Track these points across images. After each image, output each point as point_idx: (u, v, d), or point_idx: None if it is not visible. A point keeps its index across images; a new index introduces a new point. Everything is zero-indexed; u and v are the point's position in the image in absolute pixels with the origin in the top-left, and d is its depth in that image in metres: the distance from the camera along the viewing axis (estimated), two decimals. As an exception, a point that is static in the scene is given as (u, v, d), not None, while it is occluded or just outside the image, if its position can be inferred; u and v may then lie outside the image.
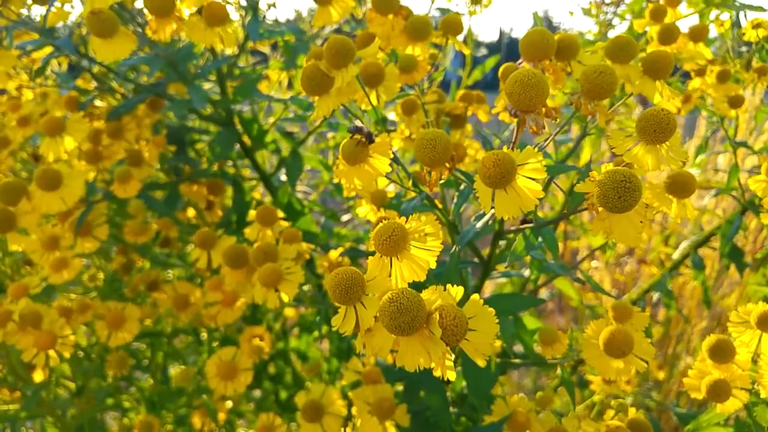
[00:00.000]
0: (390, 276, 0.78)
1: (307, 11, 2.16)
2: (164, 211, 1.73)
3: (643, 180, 0.93)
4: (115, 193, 1.60)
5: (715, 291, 2.99)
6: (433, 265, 0.77)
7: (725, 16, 1.72)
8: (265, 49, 2.19)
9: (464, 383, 1.61)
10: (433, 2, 1.61)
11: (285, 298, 1.28)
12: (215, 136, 1.80)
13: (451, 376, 0.72)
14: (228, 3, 1.37)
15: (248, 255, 1.36)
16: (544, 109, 0.88)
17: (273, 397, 2.17)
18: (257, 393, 2.23)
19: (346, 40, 1.01)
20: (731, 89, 1.62)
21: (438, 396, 1.38)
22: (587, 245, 3.34)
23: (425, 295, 0.73)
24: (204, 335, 1.98)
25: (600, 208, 0.79)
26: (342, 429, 1.31)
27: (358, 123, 0.95)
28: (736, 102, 1.60)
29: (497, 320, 0.74)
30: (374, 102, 1.15)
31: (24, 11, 1.53)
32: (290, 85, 2.13)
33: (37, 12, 1.69)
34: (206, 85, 1.77)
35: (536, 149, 0.80)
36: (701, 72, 1.66)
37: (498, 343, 1.41)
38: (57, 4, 1.51)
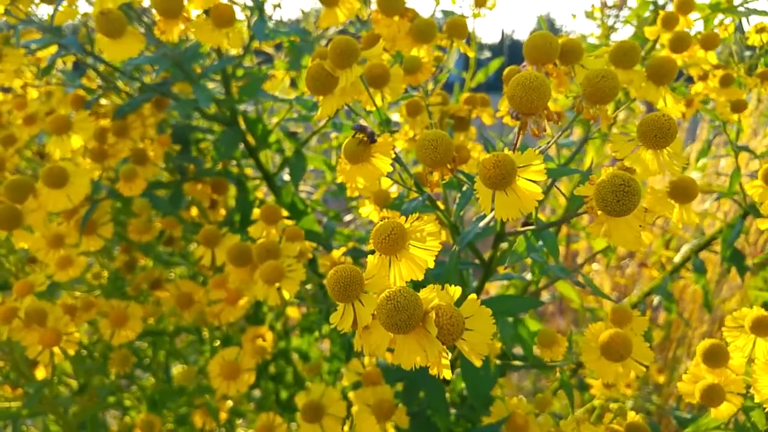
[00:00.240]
0: (389, 275, 0.79)
1: (311, 10, 2.16)
2: (168, 209, 1.74)
3: (645, 185, 0.93)
4: (121, 191, 1.61)
5: (717, 295, 2.99)
6: (432, 265, 0.77)
7: (729, 20, 1.72)
8: (270, 49, 2.19)
9: (464, 385, 1.62)
10: (437, 4, 1.61)
11: (286, 295, 1.28)
12: (220, 136, 1.80)
13: (447, 374, 0.73)
14: (234, 3, 1.38)
15: (252, 253, 1.36)
16: (545, 112, 0.89)
17: (273, 397, 2.17)
18: (257, 393, 2.24)
19: (350, 41, 1.01)
20: (734, 93, 1.62)
21: (437, 397, 1.38)
22: (588, 248, 3.34)
23: (423, 294, 0.73)
24: (206, 334, 1.99)
25: (599, 212, 0.80)
26: (341, 429, 1.32)
27: (362, 122, 0.96)
28: (738, 106, 1.60)
29: (494, 321, 0.74)
30: (379, 103, 1.15)
31: (31, 10, 1.53)
32: (294, 84, 2.14)
33: (44, 11, 1.70)
34: (211, 85, 1.78)
35: (537, 152, 0.81)
36: (704, 76, 1.66)
37: (498, 345, 1.41)
38: (64, 3, 1.52)
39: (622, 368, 1.08)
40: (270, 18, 1.66)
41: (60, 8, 1.50)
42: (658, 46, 1.48)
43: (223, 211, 1.94)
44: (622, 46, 1.07)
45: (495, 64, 2.18)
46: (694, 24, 1.51)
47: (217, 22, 1.35)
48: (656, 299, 2.13)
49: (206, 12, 1.36)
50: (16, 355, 1.54)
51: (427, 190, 1.05)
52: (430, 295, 0.74)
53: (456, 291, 0.75)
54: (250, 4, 1.62)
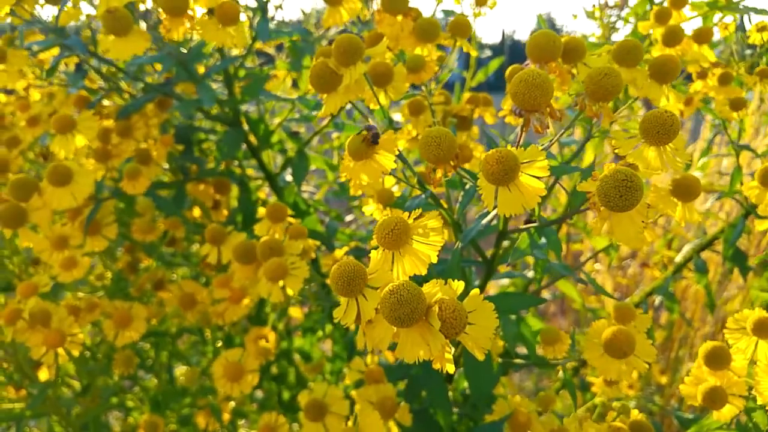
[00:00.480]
0: (392, 269, 0.79)
1: (312, 11, 2.16)
2: (172, 209, 1.74)
3: (648, 183, 0.94)
4: (125, 189, 1.62)
5: (719, 295, 2.99)
6: (435, 260, 0.78)
7: (729, 19, 1.72)
8: (271, 50, 2.20)
9: (466, 384, 1.62)
10: (438, 3, 1.62)
11: (290, 292, 1.29)
12: (222, 136, 1.81)
13: (450, 369, 0.73)
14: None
15: (256, 251, 1.37)
16: (548, 109, 0.89)
17: (276, 398, 2.17)
18: (260, 393, 2.24)
19: (354, 39, 1.02)
20: (733, 92, 1.62)
21: (440, 396, 1.39)
22: (590, 248, 3.34)
23: (426, 288, 0.73)
24: (209, 335, 1.99)
25: (602, 207, 0.80)
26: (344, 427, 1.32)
27: (371, 122, 0.96)
28: (738, 104, 1.60)
29: (497, 316, 0.74)
30: (383, 101, 1.16)
31: (35, 11, 1.54)
32: (295, 85, 2.14)
33: (48, 12, 1.70)
34: (214, 86, 1.78)
35: (540, 149, 0.81)
36: (703, 74, 1.66)
37: (500, 343, 1.42)
38: (69, 3, 1.52)
39: (625, 366, 1.08)
40: (272, 19, 1.67)
41: (65, 9, 1.50)
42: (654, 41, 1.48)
43: (225, 212, 1.94)
44: (625, 45, 1.07)
45: (495, 64, 2.19)
46: (687, 18, 1.51)
47: (222, 20, 1.36)
48: (658, 299, 2.13)
49: (210, 11, 1.37)
50: (19, 356, 1.54)
51: (430, 187, 1.05)
52: (433, 290, 0.74)
53: (459, 286, 0.75)
54: (253, 5, 1.63)
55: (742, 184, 1.73)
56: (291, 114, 1.92)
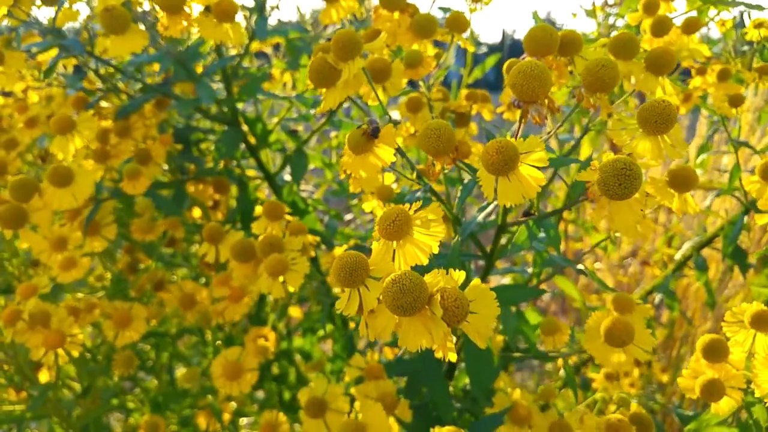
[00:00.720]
0: (393, 260, 0.79)
1: (310, 13, 2.17)
2: (171, 209, 1.74)
3: (646, 176, 0.94)
4: (125, 189, 1.62)
5: (720, 292, 2.99)
6: (436, 250, 0.78)
7: (727, 16, 1.73)
8: (268, 50, 2.21)
9: (467, 380, 1.62)
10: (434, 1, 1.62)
11: (291, 288, 1.29)
12: (221, 135, 1.82)
13: (453, 357, 0.73)
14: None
15: (256, 249, 1.37)
16: (546, 101, 0.89)
17: (277, 398, 2.17)
18: (261, 394, 2.24)
19: (353, 33, 1.02)
20: (732, 88, 1.63)
21: (440, 391, 1.39)
22: (590, 245, 3.35)
23: (428, 278, 0.74)
24: (209, 336, 1.99)
25: (601, 196, 0.81)
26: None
27: (374, 118, 0.97)
28: (736, 101, 1.61)
29: (498, 304, 0.75)
30: (381, 97, 1.16)
31: (33, 12, 1.54)
32: (293, 87, 2.15)
33: (45, 14, 1.71)
34: (212, 85, 1.78)
35: (539, 140, 0.82)
36: (702, 71, 1.66)
37: (500, 338, 1.42)
38: (66, 4, 1.53)
39: (624, 355, 1.08)
40: (269, 15, 1.68)
41: (61, 9, 1.51)
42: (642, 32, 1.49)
43: (225, 212, 1.95)
44: (621, 38, 1.08)
45: (492, 60, 2.19)
46: (676, 9, 1.52)
47: (219, 17, 1.36)
48: (658, 297, 2.14)
49: (207, 8, 1.38)
50: (20, 358, 1.54)
51: (430, 182, 1.06)
52: (434, 280, 0.74)
53: (460, 275, 0.75)
54: (251, 4, 1.64)
55: (741, 180, 1.73)
56: (289, 113, 1.93)
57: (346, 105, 1.17)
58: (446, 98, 1.57)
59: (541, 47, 1.03)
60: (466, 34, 1.37)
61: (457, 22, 1.33)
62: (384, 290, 0.71)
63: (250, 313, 1.91)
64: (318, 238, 1.47)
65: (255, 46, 2.06)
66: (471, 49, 1.43)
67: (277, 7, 1.84)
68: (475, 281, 0.75)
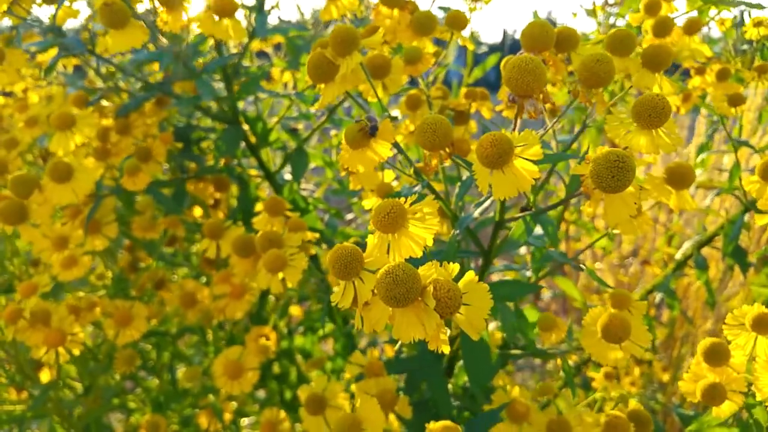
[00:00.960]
0: (388, 252, 0.80)
1: (311, 12, 2.18)
2: (172, 207, 1.75)
3: (645, 173, 0.94)
4: (125, 185, 1.62)
5: (720, 292, 2.99)
6: (430, 243, 0.78)
7: (727, 15, 1.73)
8: (268, 49, 2.21)
9: (466, 378, 1.62)
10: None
11: (289, 284, 1.29)
12: (221, 134, 1.82)
13: (446, 349, 0.74)
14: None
15: (255, 243, 1.38)
16: (541, 95, 0.90)
17: (278, 397, 2.18)
18: (261, 393, 2.24)
19: (351, 29, 1.03)
20: (731, 88, 1.63)
21: (439, 388, 1.39)
22: (588, 244, 3.34)
23: (422, 270, 0.74)
24: (210, 336, 2.00)
25: (595, 189, 0.81)
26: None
27: (373, 114, 0.97)
28: (736, 100, 1.60)
29: (495, 307, 0.75)
30: (380, 94, 1.16)
31: (33, 11, 1.55)
32: (294, 87, 2.15)
33: (45, 13, 1.71)
34: (212, 84, 1.79)
35: (534, 134, 0.82)
36: (701, 70, 1.66)
37: (498, 335, 1.42)
38: (66, 2, 1.53)
39: (621, 352, 1.08)
40: (269, 13, 1.68)
41: (61, 7, 1.51)
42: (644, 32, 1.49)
43: (225, 210, 1.95)
44: (617, 34, 1.08)
45: (493, 59, 2.19)
46: (677, 10, 1.51)
47: (219, 13, 1.37)
48: (659, 297, 2.13)
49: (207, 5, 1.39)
50: (20, 357, 1.55)
51: (426, 177, 1.06)
52: (428, 272, 0.74)
53: (454, 268, 0.76)
54: (251, 3, 1.64)
55: (741, 180, 1.73)
56: (289, 112, 1.93)
57: (347, 104, 1.17)
58: (446, 96, 1.57)
59: (538, 43, 1.03)
60: (465, 32, 1.37)
61: (457, 20, 1.34)
62: (378, 281, 0.72)
63: (252, 312, 1.91)
64: (317, 235, 1.47)
65: (256, 45, 2.06)
66: (470, 46, 1.43)
67: (278, 6, 1.85)
68: (469, 274, 0.76)
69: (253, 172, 2.05)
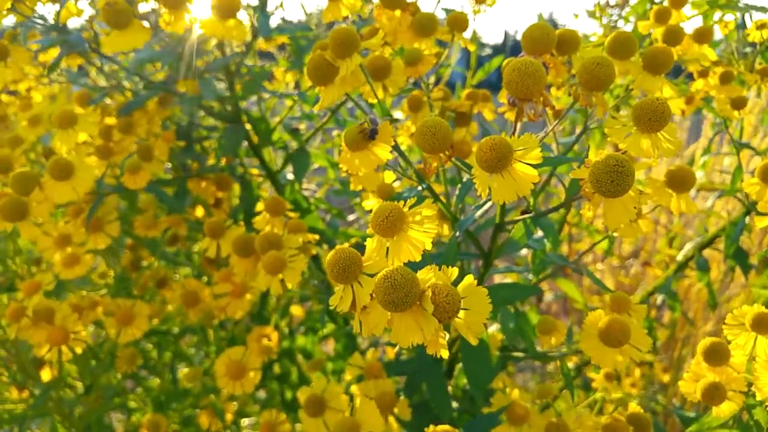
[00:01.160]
0: (387, 256, 0.80)
1: (315, 13, 2.18)
2: (174, 205, 1.75)
3: (646, 174, 0.94)
4: (126, 184, 1.62)
5: (721, 293, 2.99)
6: (429, 246, 0.78)
7: (729, 17, 1.72)
8: (272, 49, 2.21)
9: (465, 380, 1.63)
10: (439, 1, 1.63)
11: (289, 285, 1.29)
12: (223, 132, 1.82)
13: (444, 354, 0.73)
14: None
15: (255, 246, 1.38)
16: (541, 98, 0.90)
17: (278, 398, 2.18)
18: (262, 393, 2.24)
19: (350, 30, 1.03)
20: (734, 90, 1.63)
21: (439, 391, 1.39)
22: (588, 246, 3.34)
23: (421, 274, 0.74)
24: (211, 335, 2.00)
25: (594, 194, 0.81)
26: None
27: (374, 117, 0.97)
28: (739, 103, 1.60)
29: (495, 310, 0.75)
30: (381, 95, 1.16)
31: (36, 9, 1.55)
32: (296, 86, 2.16)
33: (49, 11, 1.72)
34: (215, 84, 1.79)
35: (534, 138, 0.82)
36: (704, 73, 1.66)
37: (499, 337, 1.42)
38: (70, 0, 1.54)
39: (620, 356, 1.08)
40: (273, 14, 1.68)
41: (65, 5, 1.52)
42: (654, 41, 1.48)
43: (227, 209, 1.95)
44: (618, 37, 1.08)
45: (496, 62, 2.19)
46: (687, 18, 1.51)
47: (221, 13, 1.37)
48: (660, 298, 2.13)
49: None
50: (22, 356, 1.55)
51: (426, 180, 1.06)
52: (427, 276, 0.74)
53: (453, 272, 0.76)
54: (254, 2, 1.64)
55: (742, 181, 1.73)
56: (292, 112, 1.93)
57: (350, 104, 1.17)
58: (447, 97, 1.57)
59: (539, 46, 1.03)
60: (467, 34, 1.38)
61: (458, 22, 1.34)
62: (376, 285, 0.71)
63: (253, 312, 1.92)
64: (317, 236, 1.48)
65: (260, 45, 2.06)
66: (471, 48, 1.43)
67: (282, 6, 1.85)
68: (468, 278, 0.76)
69: (255, 171, 2.05)
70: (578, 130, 2.58)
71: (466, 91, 1.63)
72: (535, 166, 0.80)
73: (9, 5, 1.45)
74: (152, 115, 1.77)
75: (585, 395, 2.06)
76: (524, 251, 2.02)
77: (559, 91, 1.60)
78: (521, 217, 1.06)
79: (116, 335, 1.58)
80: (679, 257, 2.05)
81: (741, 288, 2.97)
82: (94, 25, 1.65)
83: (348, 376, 1.48)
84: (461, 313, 0.73)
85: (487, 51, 2.33)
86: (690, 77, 1.73)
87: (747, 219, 1.77)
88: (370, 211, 1.47)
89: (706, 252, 2.00)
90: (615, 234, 1.43)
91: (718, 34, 1.62)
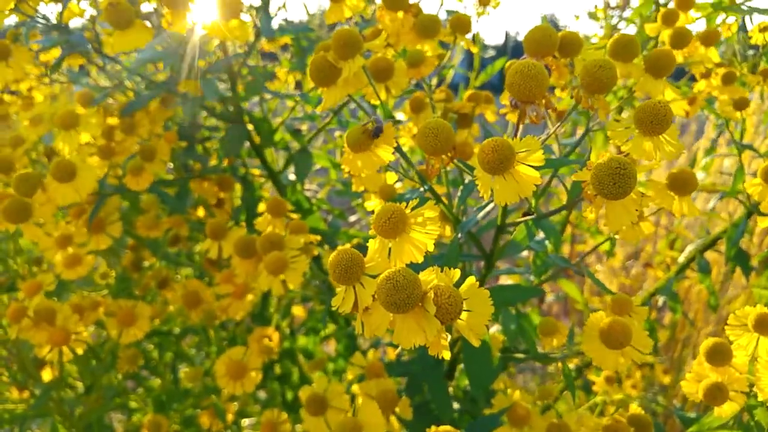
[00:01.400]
0: (389, 258, 0.80)
1: (318, 14, 2.18)
2: (176, 205, 1.75)
3: (647, 177, 0.94)
4: (128, 185, 1.62)
5: (722, 295, 2.99)
6: (431, 248, 0.78)
7: (732, 19, 1.72)
8: (275, 50, 2.22)
9: (467, 381, 1.63)
10: (442, 3, 1.63)
11: (290, 286, 1.30)
12: (225, 133, 1.82)
13: (446, 355, 0.74)
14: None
15: (257, 245, 1.38)
16: (544, 101, 0.90)
17: (279, 398, 2.18)
18: (262, 394, 2.25)
19: (353, 32, 1.03)
20: (736, 91, 1.63)
21: (440, 392, 1.40)
22: (591, 247, 3.34)
23: (423, 276, 0.74)
24: (212, 336, 2.00)
25: (596, 196, 0.81)
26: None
27: (378, 117, 0.97)
28: (741, 104, 1.61)
29: (496, 312, 0.75)
30: (383, 97, 1.17)
31: (39, 9, 1.55)
32: (298, 86, 2.16)
33: (51, 11, 1.72)
34: (217, 84, 1.79)
35: (536, 140, 0.82)
36: (707, 74, 1.66)
37: (500, 338, 1.42)
38: (73, 0, 1.54)
39: (622, 357, 1.08)
40: (275, 15, 1.68)
41: (67, 5, 1.52)
42: (659, 44, 1.48)
43: (229, 210, 1.95)
44: (620, 40, 1.08)
45: (499, 64, 2.19)
46: (694, 20, 1.51)
47: (224, 14, 1.37)
48: (661, 300, 2.13)
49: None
50: (23, 356, 1.55)
51: (428, 181, 1.06)
52: (429, 277, 0.75)
53: (455, 273, 0.76)
54: (257, 3, 1.64)
55: (744, 183, 1.73)
56: (294, 112, 1.94)
57: (353, 105, 1.17)
58: (449, 99, 1.57)
59: (541, 48, 1.03)
60: (469, 35, 1.38)
61: (460, 23, 1.34)
62: (378, 287, 0.72)
63: (254, 312, 1.92)
64: (319, 237, 1.48)
65: (262, 46, 2.07)
66: (474, 49, 1.43)
67: (284, 7, 1.85)
68: (470, 279, 0.76)
69: (257, 172, 2.05)
70: (579, 132, 2.59)
71: (468, 93, 1.63)
72: (537, 168, 0.80)
73: (12, 5, 1.45)
74: (154, 115, 1.77)
75: (585, 397, 2.06)
76: (525, 253, 2.02)
77: (562, 92, 1.60)
78: (523, 218, 1.06)
79: (118, 336, 1.58)
80: (681, 259, 2.05)
81: (741, 290, 2.97)
82: (96, 25, 1.65)
83: (350, 376, 1.48)
84: (463, 315, 0.73)
85: (490, 53, 2.31)
86: (692, 79, 1.73)
87: (748, 221, 1.77)
88: (372, 212, 1.48)
89: (707, 253, 2.00)
90: (617, 236, 1.43)
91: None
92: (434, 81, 1.40)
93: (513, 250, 1.12)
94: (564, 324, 1.34)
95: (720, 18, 1.73)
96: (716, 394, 1.07)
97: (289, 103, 1.99)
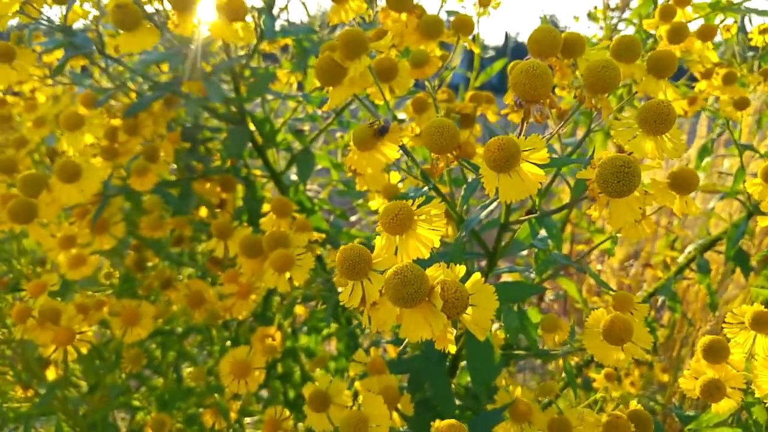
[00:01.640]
0: (396, 254, 0.81)
1: (319, 16, 2.19)
2: (179, 206, 1.76)
3: (649, 176, 0.95)
4: (133, 186, 1.63)
5: (721, 294, 2.99)
6: (437, 244, 0.79)
7: (731, 21, 1.74)
8: (276, 51, 2.22)
9: (469, 378, 1.63)
10: (443, 4, 1.64)
11: (296, 282, 1.31)
12: (228, 134, 1.83)
13: (452, 349, 0.75)
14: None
15: (263, 245, 1.39)
16: (548, 100, 0.91)
17: (281, 397, 2.18)
18: (264, 393, 2.25)
19: (359, 32, 1.04)
20: (737, 91, 1.64)
21: (442, 388, 1.40)
22: (591, 246, 3.34)
23: (429, 272, 0.75)
24: (215, 335, 2.00)
25: (600, 194, 0.82)
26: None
27: (388, 117, 0.99)
28: (741, 104, 1.62)
29: (497, 298, 0.76)
30: (387, 97, 1.17)
31: (43, 11, 1.56)
32: (300, 87, 2.17)
33: (55, 13, 1.73)
34: (221, 85, 1.80)
35: (541, 138, 0.83)
36: (707, 74, 1.67)
37: (501, 335, 1.43)
38: (77, 2, 1.54)
39: (623, 354, 1.09)
40: (278, 16, 1.69)
41: (71, 8, 1.53)
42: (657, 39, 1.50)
43: (231, 211, 1.96)
44: (623, 41, 1.09)
45: (498, 65, 2.20)
46: (692, 16, 1.52)
47: (229, 16, 1.38)
48: (661, 299, 2.14)
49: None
50: (27, 355, 1.56)
51: (433, 180, 1.07)
52: (435, 273, 0.76)
53: (461, 269, 0.77)
54: (260, 5, 1.65)
55: (744, 183, 1.74)
56: (296, 113, 1.95)
57: (353, 106, 1.18)
58: (451, 99, 1.58)
59: (545, 48, 1.04)
60: (471, 36, 1.39)
61: (463, 24, 1.35)
62: (386, 281, 0.73)
63: (256, 312, 1.92)
64: (323, 235, 1.49)
65: (264, 47, 2.07)
66: (476, 50, 1.44)
67: (287, 9, 1.86)
68: (476, 275, 0.77)
69: (258, 172, 2.06)
70: (579, 132, 2.60)
71: (470, 93, 1.64)
72: (541, 167, 0.81)
73: (17, 7, 1.46)
74: (157, 116, 1.78)
75: (586, 395, 2.07)
76: (525, 252, 2.03)
77: (564, 91, 1.61)
78: (526, 217, 1.07)
79: (122, 335, 1.59)
80: (681, 259, 2.06)
81: (740, 289, 2.98)
82: (99, 26, 1.66)
83: (352, 373, 1.49)
84: (469, 310, 0.75)
85: (491, 53, 2.32)
86: (692, 79, 1.74)
87: (748, 222, 1.78)
88: (375, 211, 1.49)
89: (706, 254, 2.01)
90: (618, 235, 1.44)
91: (717, 37, 1.63)
92: (435, 82, 1.41)
93: (516, 248, 1.13)
94: (565, 321, 1.35)
95: (718, 19, 1.74)
96: (713, 391, 1.08)
97: (291, 104, 2.00)
